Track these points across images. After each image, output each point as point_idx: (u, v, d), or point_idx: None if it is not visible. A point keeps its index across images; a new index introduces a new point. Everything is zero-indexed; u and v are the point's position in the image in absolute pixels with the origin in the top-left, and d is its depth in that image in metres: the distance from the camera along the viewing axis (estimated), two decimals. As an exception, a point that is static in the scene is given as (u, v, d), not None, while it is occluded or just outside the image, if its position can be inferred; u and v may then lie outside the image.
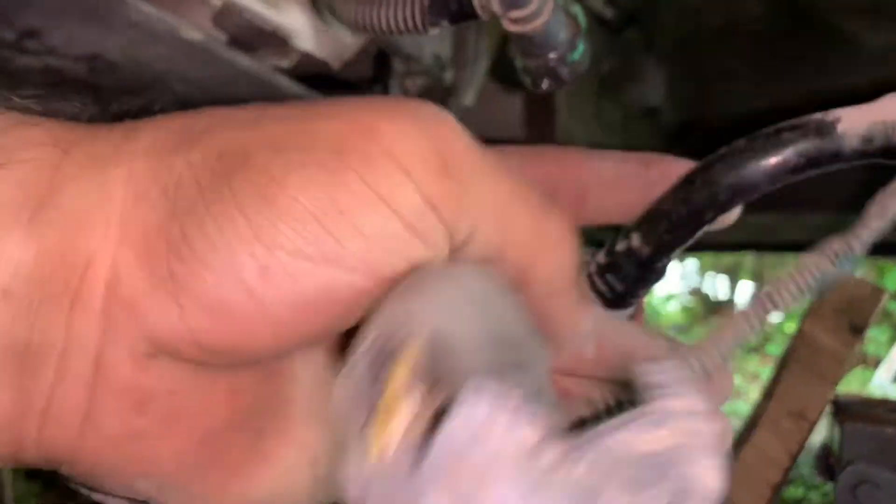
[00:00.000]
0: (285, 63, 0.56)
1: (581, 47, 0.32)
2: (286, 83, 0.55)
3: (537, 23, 0.30)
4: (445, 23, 0.32)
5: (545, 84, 0.33)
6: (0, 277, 0.22)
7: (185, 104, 0.58)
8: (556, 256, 0.27)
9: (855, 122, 0.28)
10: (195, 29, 0.47)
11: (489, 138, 0.92)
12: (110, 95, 0.57)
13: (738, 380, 3.74)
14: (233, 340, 0.22)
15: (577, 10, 0.32)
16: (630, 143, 1.11)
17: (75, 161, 0.24)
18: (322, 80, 0.65)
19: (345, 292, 0.22)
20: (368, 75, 0.63)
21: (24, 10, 0.45)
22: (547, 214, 0.26)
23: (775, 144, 0.28)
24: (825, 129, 0.27)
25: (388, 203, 0.22)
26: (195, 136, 0.25)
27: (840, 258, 0.32)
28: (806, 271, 0.31)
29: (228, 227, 0.22)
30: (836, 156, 0.28)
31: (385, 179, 0.22)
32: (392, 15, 0.33)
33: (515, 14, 0.30)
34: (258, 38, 0.53)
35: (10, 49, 0.51)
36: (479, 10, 0.31)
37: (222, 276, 0.22)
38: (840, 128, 0.28)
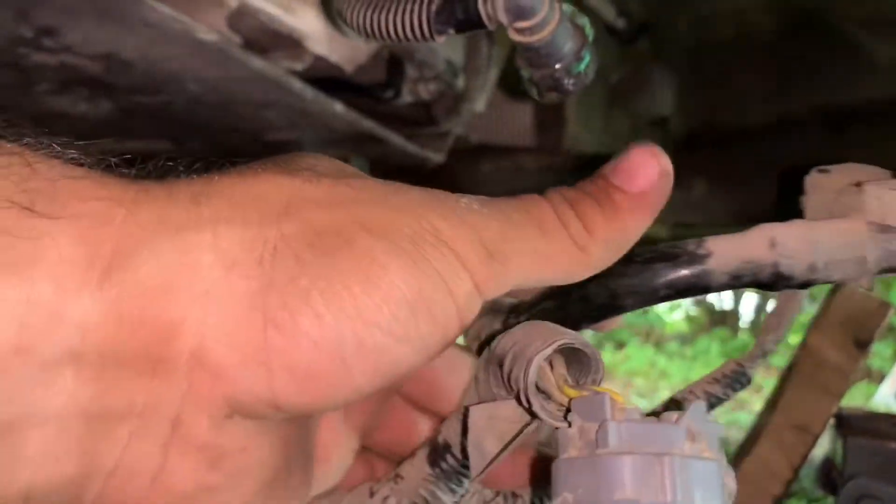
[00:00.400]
0: (298, 66, 0.57)
1: (587, 59, 0.32)
2: (299, 86, 0.56)
3: (543, 33, 0.31)
4: (452, 31, 0.32)
5: (550, 95, 0.34)
6: (69, 341, 0.21)
7: (199, 104, 0.59)
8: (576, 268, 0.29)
9: (725, 258, 0.30)
10: (210, 30, 0.48)
11: (499, 145, 0.92)
12: (124, 94, 0.58)
13: (742, 391, 3.70)
14: (313, 402, 0.24)
15: (584, 21, 0.33)
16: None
17: (142, 222, 0.23)
18: (334, 83, 0.66)
19: (406, 366, 0.25)
20: (381, 80, 0.63)
21: (42, 8, 0.46)
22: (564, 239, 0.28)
23: (648, 273, 0.30)
24: (696, 262, 0.29)
25: (453, 292, 0.25)
26: (282, 208, 0.25)
27: (734, 381, 0.35)
28: (702, 397, 0.34)
29: (334, 302, 0.23)
30: (706, 289, 0.30)
31: (451, 272, 0.25)
32: (399, 22, 0.33)
33: (521, 24, 0.31)
34: (272, 40, 0.54)
35: (27, 46, 0.52)
36: (485, 20, 0.31)
37: (322, 348, 0.23)
38: (711, 263, 0.29)
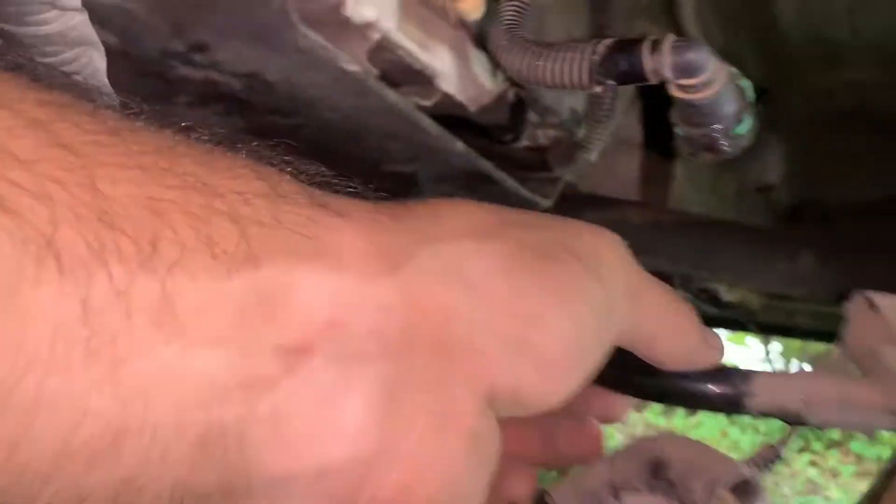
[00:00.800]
0: (427, 102, 0.58)
1: (747, 122, 0.32)
2: (427, 122, 0.57)
3: (707, 92, 0.31)
4: (612, 83, 0.32)
5: (705, 155, 0.33)
6: (374, 321, 0.24)
7: (330, 130, 0.60)
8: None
9: (761, 400, 0.31)
10: (353, 61, 0.49)
11: (605, 196, 0.91)
12: (259, 113, 0.60)
13: (815, 474, 3.58)
14: (548, 397, 0.26)
15: (745, 83, 0.32)
16: (742, 216, 1.09)
17: (409, 231, 0.26)
18: (455, 121, 0.67)
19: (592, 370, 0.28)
20: (502, 122, 0.64)
21: (199, 25, 0.48)
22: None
23: (694, 385, 0.32)
24: (736, 399, 0.31)
25: (619, 310, 0.28)
26: (497, 227, 0.27)
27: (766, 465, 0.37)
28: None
29: (564, 308, 0.26)
30: (732, 413, 0.32)
31: (615, 310, 0.28)
32: (559, 69, 0.34)
33: (687, 81, 0.31)
34: (406, 75, 0.55)
35: (177, 59, 0.54)
36: (649, 74, 0.31)
37: (566, 345, 0.26)
38: (747, 401, 0.31)
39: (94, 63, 0.34)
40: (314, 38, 0.46)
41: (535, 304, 0.25)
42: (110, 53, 0.53)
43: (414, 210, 0.27)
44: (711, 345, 0.32)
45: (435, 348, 0.24)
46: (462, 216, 0.27)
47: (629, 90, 0.76)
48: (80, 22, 0.33)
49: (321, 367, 0.22)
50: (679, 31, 0.78)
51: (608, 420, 0.34)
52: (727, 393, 0.32)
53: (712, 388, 0.32)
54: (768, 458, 0.36)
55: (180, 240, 0.21)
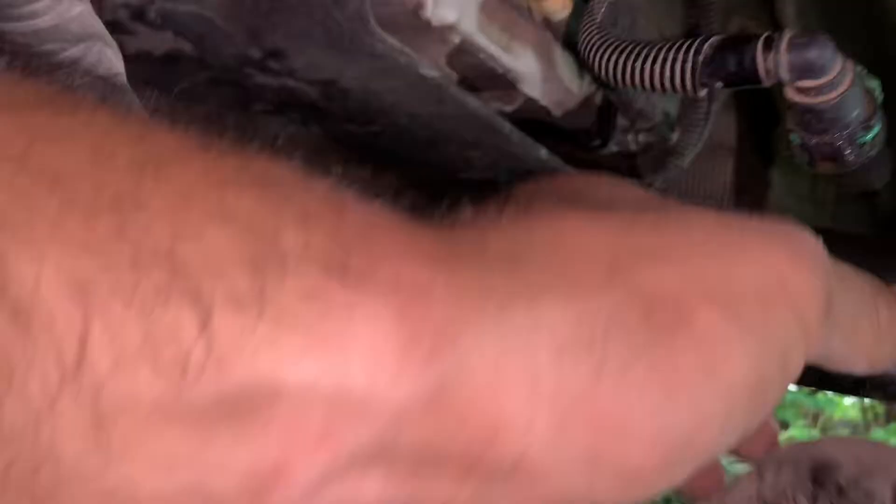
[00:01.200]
0: (509, 108, 0.55)
1: (876, 128, 0.28)
2: (508, 128, 0.54)
3: (830, 95, 0.27)
4: (720, 85, 0.29)
5: (826, 165, 0.30)
6: (382, 433, 0.18)
7: (408, 137, 0.58)
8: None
9: None
10: (431, 66, 0.47)
11: (697, 203, 0.87)
12: (337, 121, 0.58)
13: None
14: (630, 500, 0.21)
15: (874, 84, 0.29)
16: (841, 224, 1.03)
17: (463, 292, 0.19)
18: (538, 126, 0.64)
19: (718, 454, 0.23)
20: (588, 126, 0.61)
21: (275, 31, 0.47)
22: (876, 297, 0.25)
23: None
24: None
25: (789, 367, 0.22)
26: (607, 268, 0.20)
27: None
28: None
29: (671, 397, 0.20)
30: None
31: (794, 344, 0.22)
32: (659, 71, 0.30)
33: (806, 84, 0.27)
34: (488, 80, 0.53)
35: (253, 67, 0.53)
36: (762, 75, 0.28)
37: (654, 448, 0.20)
38: None
39: (107, 60, 0.31)
40: (391, 42, 0.44)
41: (621, 396, 0.19)
42: (186, 62, 0.53)
43: (489, 239, 0.21)
44: None
45: (462, 471, 0.19)
46: (559, 249, 0.20)
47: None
48: (80, 13, 0.30)
49: (301, 496, 0.17)
50: (777, 27, 0.73)
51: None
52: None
53: None
54: None
55: (116, 340, 0.15)
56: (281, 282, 0.17)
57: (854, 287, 0.24)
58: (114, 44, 0.33)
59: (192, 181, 0.17)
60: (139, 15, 0.47)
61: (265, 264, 0.17)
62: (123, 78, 0.32)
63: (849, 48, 0.84)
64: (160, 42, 0.50)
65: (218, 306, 0.16)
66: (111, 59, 0.31)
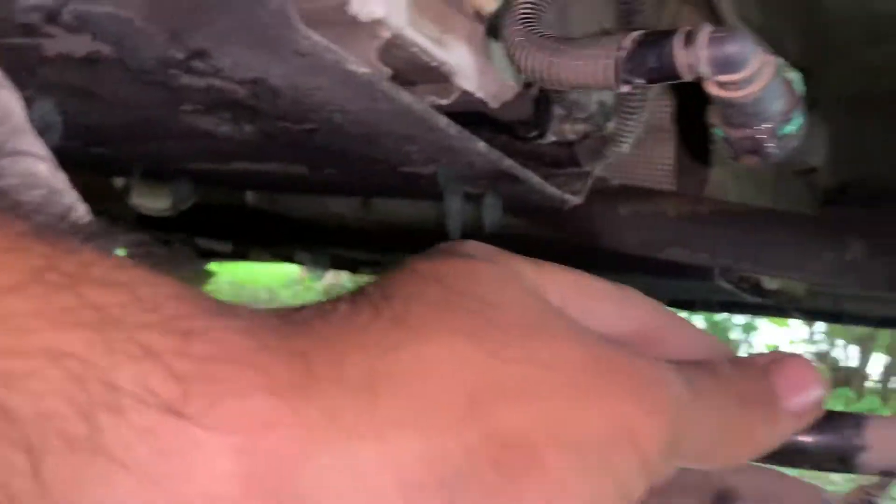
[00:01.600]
0: (444, 101, 0.55)
1: (797, 121, 0.28)
2: (444, 123, 0.53)
3: (750, 89, 0.27)
4: (641, 81, 0.29)
5: (749, 158, 0.29)
6: None
7: (342, 134, 0.57)
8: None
9: (882, 454, 0.26)
10: (361, 62, 0.46)
11: (639, 188, 0.87)
12: (269, 119, 0.57)
13: None
14: None
15: (794, 75, 0.29)
16: (781, 203, 1.04)
17: (310, 424, 0.19)
18: (475, 118, 0.63)
19: None
20: (525, 118, 0.60)
21: (197, 31, 0.45)
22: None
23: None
24: (850, 454, 0.26)
25: (628, 496, 0.22)
26: (466, 405, 0.20)
27: None
28: None
29: None
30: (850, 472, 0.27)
31: (633, 481, 0.22)
32: (580, 69, 0.30)
33: (726, 78, 0.27)
34: (421, 74, 0.52)
35: (177, 67, 0.52)
36: (681, 71, 0.28)
37: None
38: (863, 458, 0.26)
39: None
40: (317, 39, 0.43)
41: None
42: (105, 63, 0.51)
43: (347, 362, 0.20)
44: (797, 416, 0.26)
45: None
46: (419, 380, 0.20)
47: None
48: None
49: None
50: (713, 11, 0.74)
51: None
52: (835, 446, 0.27)
53: (815, 440, 0.27)
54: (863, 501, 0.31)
55: None
56: (116, 423, 0.17)
57: (715, 406, 0.24)
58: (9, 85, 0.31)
59: (29, 312, 0.17)
60: (53, 18, 0.45)
61: (98, 408, 0.17)
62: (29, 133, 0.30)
63: (782, 26, 0.85)
64: (79, 45, 0.48)
65: (49, 451, 0.16)
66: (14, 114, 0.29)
